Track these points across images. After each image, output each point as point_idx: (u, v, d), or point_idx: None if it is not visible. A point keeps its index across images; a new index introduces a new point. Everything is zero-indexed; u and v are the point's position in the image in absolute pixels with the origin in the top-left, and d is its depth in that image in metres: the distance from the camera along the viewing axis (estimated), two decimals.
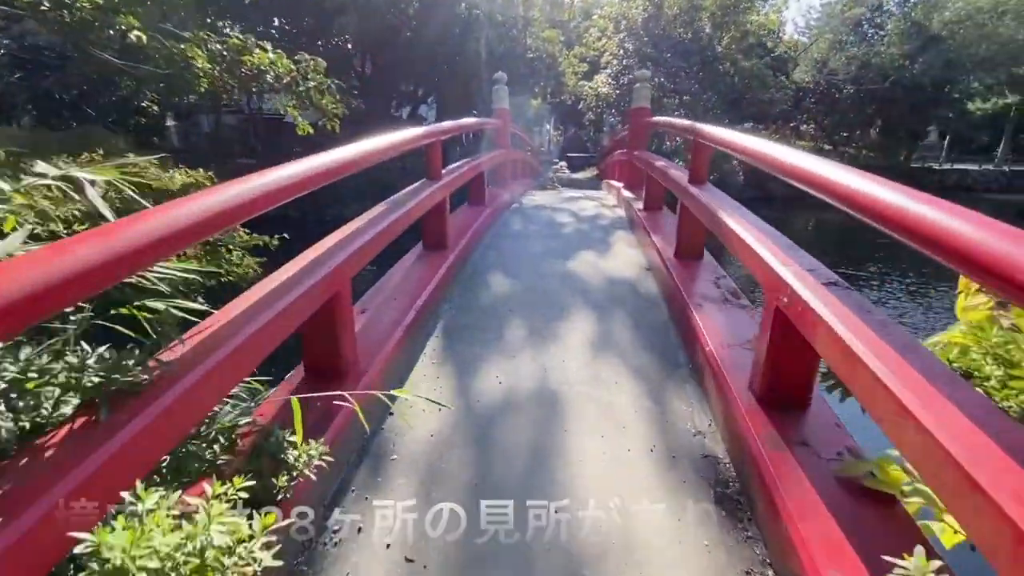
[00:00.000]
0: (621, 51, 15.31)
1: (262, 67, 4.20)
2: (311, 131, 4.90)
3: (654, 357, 2.38)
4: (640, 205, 4.71)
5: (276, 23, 15.44)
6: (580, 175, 19.82)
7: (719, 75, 14.34)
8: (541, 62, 15.88)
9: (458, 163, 4.19)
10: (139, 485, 0.80)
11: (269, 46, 4.59)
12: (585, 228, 4.87)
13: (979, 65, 23.11)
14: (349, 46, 16.68)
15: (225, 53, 4.15)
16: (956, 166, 27.31)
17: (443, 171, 3.52)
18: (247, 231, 4.32)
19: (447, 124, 3.68)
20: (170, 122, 21.48)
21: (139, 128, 14.23)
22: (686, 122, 3.48)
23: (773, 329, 1.61)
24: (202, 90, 4.46)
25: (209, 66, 4.08)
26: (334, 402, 1.39)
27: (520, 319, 2.76)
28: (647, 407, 2.01)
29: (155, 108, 14.61)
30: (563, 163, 14.74)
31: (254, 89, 4.25)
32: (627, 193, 5.65)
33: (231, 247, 3.86)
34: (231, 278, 3.67)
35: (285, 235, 4.48)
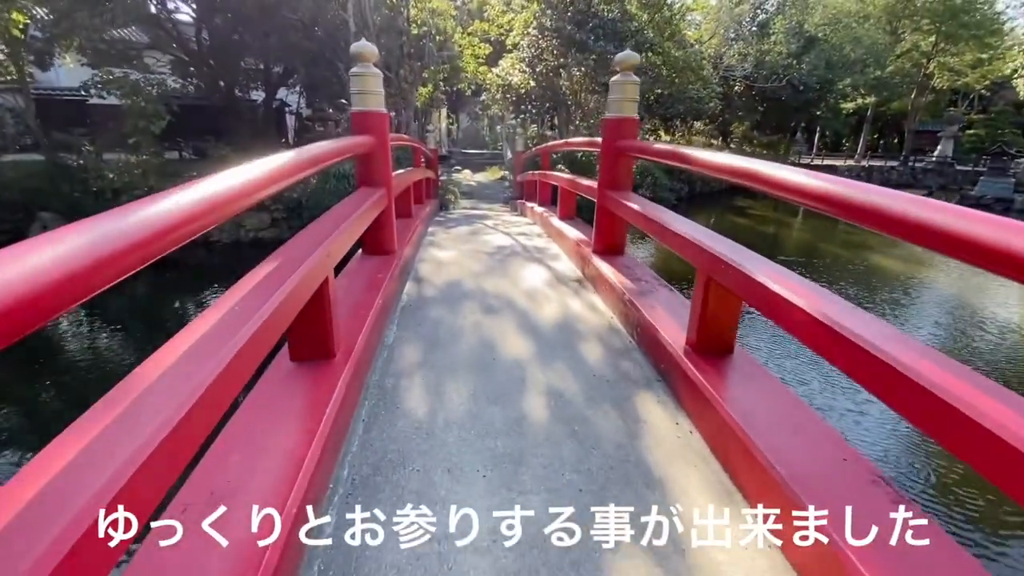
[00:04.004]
0: (533, 31, 12.60)
1: None
2: None
3: None
4: (679, 337, 2.25)
5: None
6: (483, 177, 17.22)
7: (651, 66, 12.41)
8: (430, 40, 12.84)
9: (270, 262, 1.37)
10: None
11: None
12: (570, 390, 2.26)
13: (850, 67, 24.38)
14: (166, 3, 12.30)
15: None
16: (826, 161, 29.23)
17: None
18: None
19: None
20: None
21: None
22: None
23: None
24: None
25: None
26: None
27: None
28: None
29: None
30: (467, 171, 11.98)
31: None
32: (613, 275, 3.15)
33: None
34: None
35: None
